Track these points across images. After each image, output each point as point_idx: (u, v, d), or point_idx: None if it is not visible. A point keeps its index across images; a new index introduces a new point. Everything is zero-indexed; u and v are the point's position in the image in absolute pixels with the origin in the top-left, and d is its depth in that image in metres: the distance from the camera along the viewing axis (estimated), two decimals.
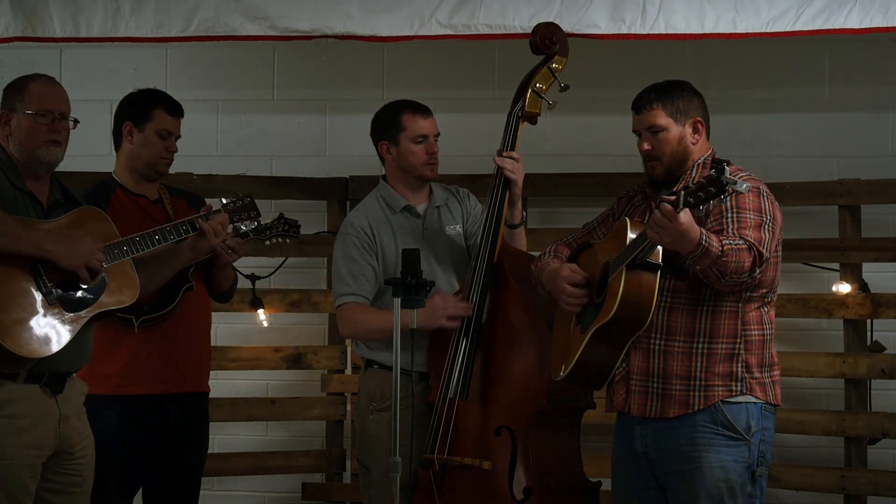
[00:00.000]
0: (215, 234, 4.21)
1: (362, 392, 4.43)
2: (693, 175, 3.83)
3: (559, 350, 3.91)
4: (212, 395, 5.62)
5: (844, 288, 5.43)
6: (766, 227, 3.66)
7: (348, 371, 5.75)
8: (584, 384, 3.93)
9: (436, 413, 4.22)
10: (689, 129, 3.84)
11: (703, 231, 3.50)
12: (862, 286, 5.41)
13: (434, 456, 4.20)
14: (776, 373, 3.82)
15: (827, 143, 5.74)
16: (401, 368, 4.03)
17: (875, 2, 4.64)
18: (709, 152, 3.88)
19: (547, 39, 4.31)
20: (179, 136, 4.52)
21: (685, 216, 3.42)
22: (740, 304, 3.73)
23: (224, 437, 5.80)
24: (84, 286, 3.84)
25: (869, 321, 5.43)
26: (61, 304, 3.79)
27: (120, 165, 4.49)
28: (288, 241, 4.52)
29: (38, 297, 3.75)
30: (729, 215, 3.67)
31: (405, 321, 3.76)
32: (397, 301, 3.69)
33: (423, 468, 4.24)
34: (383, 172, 4.51)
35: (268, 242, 4.48)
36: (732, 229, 3.63)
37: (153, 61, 5.98)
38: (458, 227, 4.47)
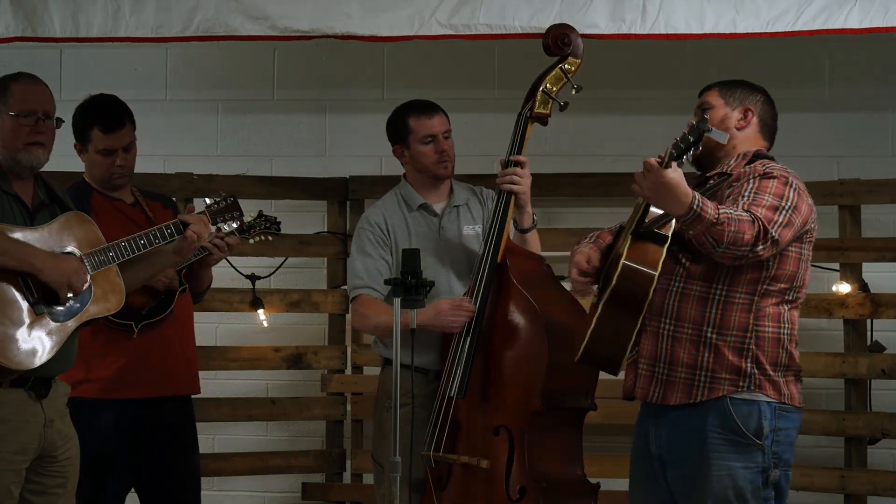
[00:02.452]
0: (199, 237, 4.17)
1: (380, 390, 4.45)
2: (731, 164, 3.76)
3: (581, 333, 3.85)
4: (212, 395, 5.63)
5: (844, 288, 5.43)
6: (783, 211, 3.56)
7: (348, 371, 5.75)
8: (601, 365, 3.83)
9: (435, 411, 4.23)
10: (736, 114, 3.81)
11: (697, 195, 3.44)
12: (862, 286, 5.41)
13: (430, 454, 4.20)
14: (791, 373, 3.71)
15: (827, 143, 5.74)
16: (415, 367, 4.15)
17: (875, 2, 4.64)
18: (758, 148, 3.81)
19: (559, 41, 4.30)
20: (131, 141, 4.41)
21: (672, 173, 3.38)
22: (756, 298, 3.65)
23: (224, 437, 5.80)
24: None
25: (869, 321, 5.43)
26: (48, 314, 3.76)
27: (87, 173, 4.46)
28: (270, 238, 4.48)
29: (25, 307, 3.73)
30: (746, 193, 3.61)
31: (407, 320, 3.77)
32: (397, 301, 3.70)
33: (426, 467, 4.24)
34: (404, 171, 4.53)
35: (252, 241, 4.44)
36: (743, 202, 3.56)
37: (153, 61, 5.98)
38: (477, 228, 4.46)
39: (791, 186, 3.65)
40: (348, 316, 5.71)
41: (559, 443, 4.16)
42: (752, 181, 3.65)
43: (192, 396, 4.62)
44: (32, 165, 3.88)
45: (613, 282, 3.57)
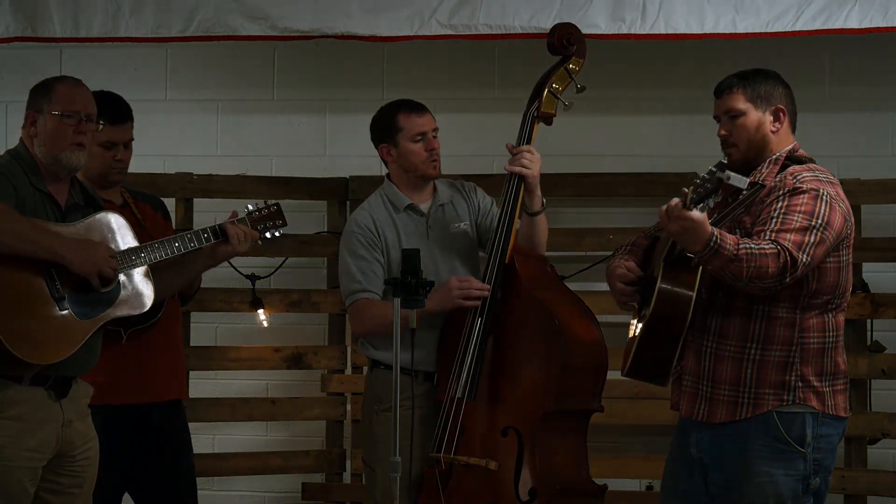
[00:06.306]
0: (239, 242, 4.15)
1: (368, 392, 4.42)
2: (763, 171, 3.68)
3: (627, 347, 3.83)
4: (212, 395, 5.63)
5: None
6: (814, 231, 3.49)
7: (348, 371, 5.75)
8: (647, 380, 3.83)
9: (443, 412, 4.21)
10: (769, 117, 3.71)
11: (717, 231, 3.39)
12: (862, 286, 5.41)
13: (440, 455, 4.19)
14: (840, 382, 3.67)
15: (827, 143, 5.73)
16: (405, 369, 4.06)
17: (875, 2, 4.65)
18: (790, 146, 3.74)
19: (564, 40, 4.29)
20: (131, 139, 4.39)
21: (696, 213, 3.33)
22: (798, 312, 3.60)
23: (224, 437, 5.80)
24: (97, 292, 3.78)
25: (869, 321, 5.43)
26: (73, 310, 3.74)
27: (80, 172, 4.44)
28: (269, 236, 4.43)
29: (49, 302, 3.70)
30: (775, 215, 3.53)
31: (407, 320, 3.76)
32: (397, 301, 3.69)
33: (429, 467, 4.23)
34: (387, 172, 4.50)
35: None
36: (771, 228, 3.50)
37: (153, 61, 5.98)
38: (464, 225, 4.44)
39: (822, 200, 3.56)
40: (348, 316, 5.71)
41: (567, 444, 4.15)
42: (781, 199, 3.56)
43: (186, 398, 4.60)
44: (73, 166, 3.87)
45: (650, 310, 3.58)
